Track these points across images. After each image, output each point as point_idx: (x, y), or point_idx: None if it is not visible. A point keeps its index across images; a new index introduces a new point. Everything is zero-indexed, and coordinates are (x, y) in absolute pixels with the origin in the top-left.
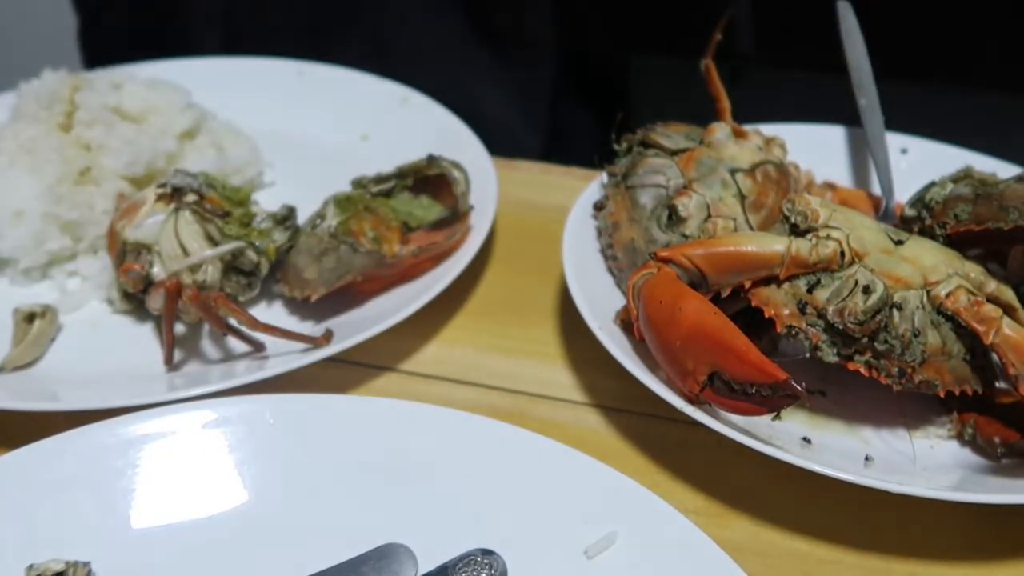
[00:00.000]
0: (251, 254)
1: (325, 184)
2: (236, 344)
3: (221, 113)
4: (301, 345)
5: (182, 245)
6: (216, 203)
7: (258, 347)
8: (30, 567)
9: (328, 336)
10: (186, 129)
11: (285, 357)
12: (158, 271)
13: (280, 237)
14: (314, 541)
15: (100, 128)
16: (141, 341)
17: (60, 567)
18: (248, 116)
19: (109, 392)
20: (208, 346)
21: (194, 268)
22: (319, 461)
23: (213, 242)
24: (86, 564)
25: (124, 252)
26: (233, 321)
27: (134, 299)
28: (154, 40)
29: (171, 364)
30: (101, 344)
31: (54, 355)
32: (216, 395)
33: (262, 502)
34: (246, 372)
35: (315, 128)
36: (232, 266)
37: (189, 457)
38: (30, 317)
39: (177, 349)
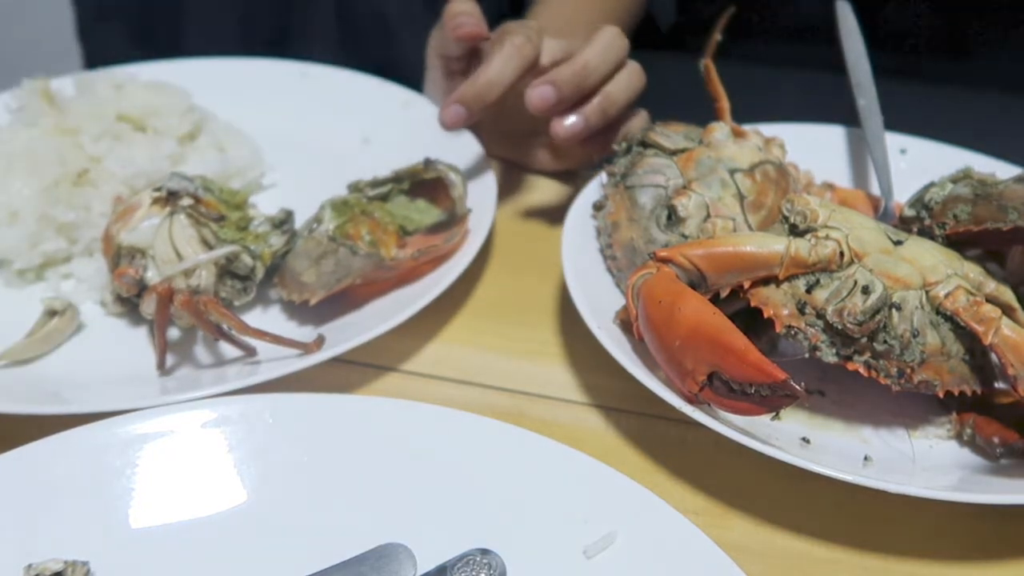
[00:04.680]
0: (246, 258)
1: (325, 187)
2: (229, 349)
3: (222, 115)
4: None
5: (176, 249)
6: (212, 207)
7: (249, 351)
8: (29, 567)
9: (319, 342)
10: (187, 131)
11: (280, 362)
12: (152, 275)
13: (277, 241)
14: (313, 541)
15: (101, 132)
16: (135, 344)
17: (59, 567)
18: (249, 118)
19: (102, 396)
20: (201, 351)
21: (188, 272)
22: (319, 461)
23: (208, 246)
24: (85, 563)
25: (119, 256)
26: (225, 326)
27: (127, 302)
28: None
29: (163, 369)
30: (95, 347)
31: (50, 357)
32: (209, 399)
33: (261, 502)
34: (238, 377)
35: (316, 131)
36: (227, 270)
37: (188, 457)
38: (51, 312)
39: (171, 353)
